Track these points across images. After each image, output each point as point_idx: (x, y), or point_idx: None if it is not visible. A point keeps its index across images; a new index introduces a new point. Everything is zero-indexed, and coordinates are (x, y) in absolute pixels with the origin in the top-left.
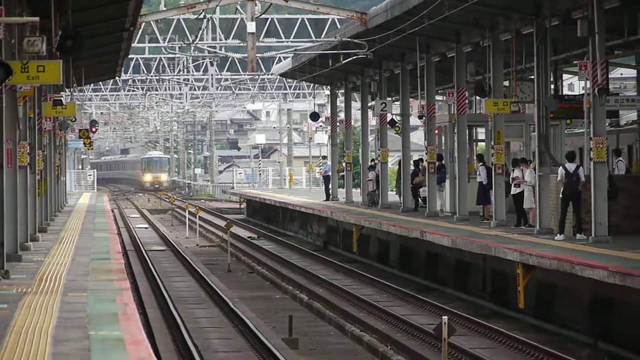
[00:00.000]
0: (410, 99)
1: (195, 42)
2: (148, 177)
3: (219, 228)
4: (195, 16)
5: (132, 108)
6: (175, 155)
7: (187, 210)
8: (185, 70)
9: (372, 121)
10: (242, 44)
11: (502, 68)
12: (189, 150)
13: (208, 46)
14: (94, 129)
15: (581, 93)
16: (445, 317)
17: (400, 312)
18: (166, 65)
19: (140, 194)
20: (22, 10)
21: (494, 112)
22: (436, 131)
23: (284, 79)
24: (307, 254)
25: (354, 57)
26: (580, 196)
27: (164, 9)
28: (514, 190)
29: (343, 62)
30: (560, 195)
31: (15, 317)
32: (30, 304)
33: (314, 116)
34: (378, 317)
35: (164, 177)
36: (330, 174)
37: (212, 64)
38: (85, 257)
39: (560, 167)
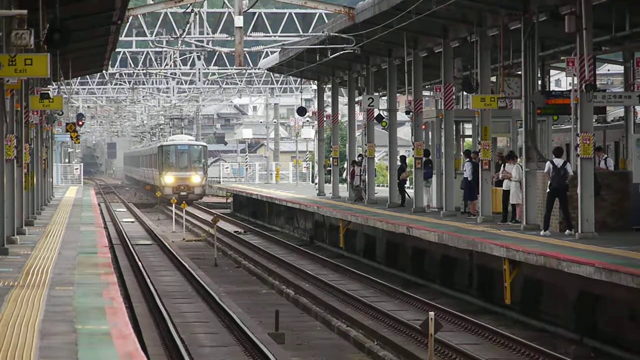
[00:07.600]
0: (398, 94)
1: (182, 36)
2: (169, 179)
3: (206, 222)
4: (183, 10)
5: (119, 102)
6: None
7: (173, 205)
8: (172, 64)
9: (359, 116)
10: (229, 38)
11: (490, 64)
12: None
13: (195, 40)
14: (80, 123)
15: (568, 89)
16: (431, 313)
17: (387, 307)
18: (153, 59)
19: (127, 188)
20: (10, 3)
21: (481, 108)
22: (423, 127)
23: (271, 73)
24: (294, 249)
25: (341, 52)
26: (567, 191)
27: (152, 2)
28: (504, 186)
29: (330, 57)
30: (547, 190)
31: (1, 311)
32: (17, 298)
33: (301, 111)
34: (364, 313)
35: (196, 178)
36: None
37: (199, 58)
38: (72, 250)
39: (548, 162)
